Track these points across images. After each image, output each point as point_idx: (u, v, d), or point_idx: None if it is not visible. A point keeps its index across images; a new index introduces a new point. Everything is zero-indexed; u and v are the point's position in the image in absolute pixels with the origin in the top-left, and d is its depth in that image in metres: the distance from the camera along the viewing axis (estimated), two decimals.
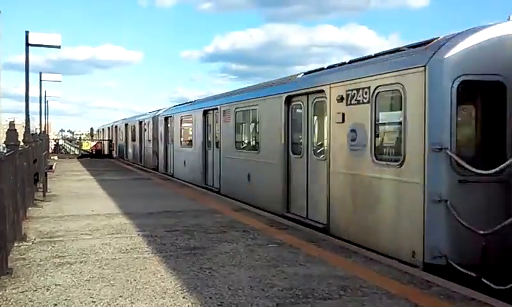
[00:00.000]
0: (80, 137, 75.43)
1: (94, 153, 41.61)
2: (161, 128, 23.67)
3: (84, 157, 38.66)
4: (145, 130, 28.31)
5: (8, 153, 6.82)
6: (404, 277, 6.10)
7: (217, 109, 15.78)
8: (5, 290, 5.36)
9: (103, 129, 55.12)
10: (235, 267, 6.43)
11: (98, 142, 46.86)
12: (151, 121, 26.36)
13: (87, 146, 48.71)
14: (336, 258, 6.98)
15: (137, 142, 31.18)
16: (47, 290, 5.41)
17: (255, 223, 9.54)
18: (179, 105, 22.82)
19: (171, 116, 22.08)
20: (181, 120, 20.27)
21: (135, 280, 5.81)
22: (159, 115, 24.69)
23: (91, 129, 63.41)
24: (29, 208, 10.72)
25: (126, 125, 35.86)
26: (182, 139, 20.61)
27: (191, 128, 19.15)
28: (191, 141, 19.19)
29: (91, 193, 14.24)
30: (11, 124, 7.87)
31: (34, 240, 7.86)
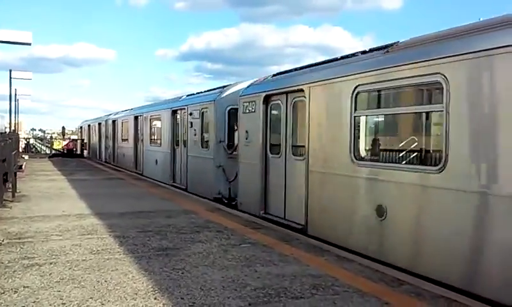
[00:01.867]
0: (51, 136, 74.19)
1: (65, 152, 41.03)
2: (247, 121, 11.79)
3: (55, 156, 38.03)
4: (190, 124, 16.35)
5: None
6: (375, 275, 6.18)
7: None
8: None
9: (89, 126, 39.93)
10: (208, 267, 6.41)
11: (70, 142, 46.18)
12: (212, 108, 14.46)
13: (58, 145, 48.02)
14: (309, 257, 7.03)
15: (165, 147, 18.84)
16: (15, 292, 5.29)
17: (229, 223, 9.54)
18: (280, 73, 11.33)
19: (275, 93, 10.56)
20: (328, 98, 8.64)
21: (106, 281, 5.73)
22: (230, 94, 13.88)
23: (63, 128, 62.40)
24: None
25: (136, 117, 23.58)
26: (320, 142, 8.79)
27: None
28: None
29: (62, 193, 13.99)
30: None
31: (2, 241, 7.68)
